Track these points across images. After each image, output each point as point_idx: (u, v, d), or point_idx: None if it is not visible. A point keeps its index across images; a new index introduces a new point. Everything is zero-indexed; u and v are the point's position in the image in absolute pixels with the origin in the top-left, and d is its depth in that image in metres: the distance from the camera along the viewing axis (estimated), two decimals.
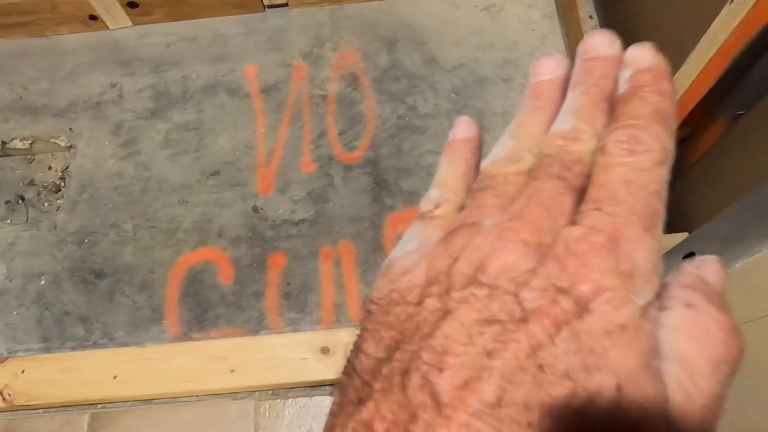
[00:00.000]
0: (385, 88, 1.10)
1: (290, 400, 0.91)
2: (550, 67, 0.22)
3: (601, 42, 0.21)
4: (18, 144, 1.13)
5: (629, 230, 0.17)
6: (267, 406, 0.91)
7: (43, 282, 1.02)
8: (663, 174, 0.18)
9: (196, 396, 0.90)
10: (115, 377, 0.86)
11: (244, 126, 1.10)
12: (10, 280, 1.02)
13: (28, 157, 1.16)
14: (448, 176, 0.23)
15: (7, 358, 0.89)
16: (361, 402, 0.17)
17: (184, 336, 0.96)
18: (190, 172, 1.07)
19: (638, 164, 0.18)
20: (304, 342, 0.86)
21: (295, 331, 0.93)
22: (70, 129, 1.13)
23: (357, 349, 0.19)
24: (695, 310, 0.17)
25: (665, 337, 0.17)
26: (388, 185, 1.03)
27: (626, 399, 0.15)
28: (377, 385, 0.17)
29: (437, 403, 0.16)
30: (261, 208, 1.04)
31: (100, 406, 0.92)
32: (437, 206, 0.22)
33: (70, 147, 1.12)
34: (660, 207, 0.18)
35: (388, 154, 1.06)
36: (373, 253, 0.99)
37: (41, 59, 1.19)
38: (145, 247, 1.03)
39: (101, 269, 1.02)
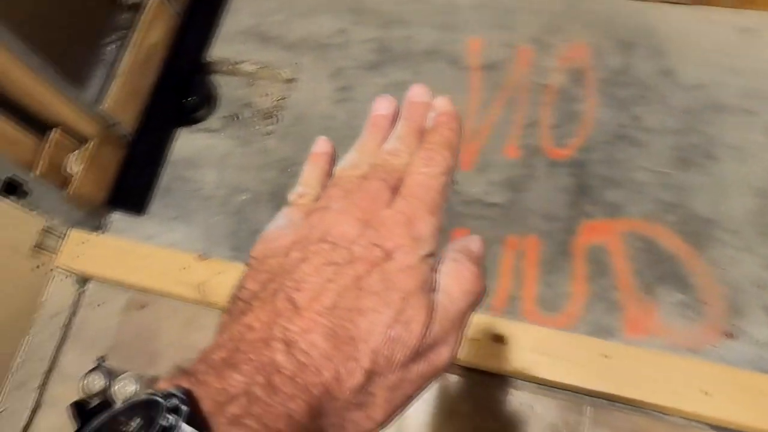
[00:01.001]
0: (612, 91, 1.05)
1: (445, 374, 0.92)
2: (385, 106, 0.34)
3: (420, 92, 0.34)
4: (247, 67, 1.22)
5: (420, 213, 0.28)
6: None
7: (244, 197, 1.10)
8: (445, 181, 0.30)
9: None
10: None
11: (457, 98, 1.10)
12: (218, 188, 1.12)
13: (251, 80, 1.25)
14: (309, 177, 0.33)
15: (209, 258, 0.97)
16: (243, 314, 0.26)
17: None
18: None
19: (429, 173, 0.29)
20: (480, 325, 0.86)
21: None
22: (296, 63, 1.19)
23: (240, 286, 0.28)
24: (458, 263, 0.29)
25: (439, 277, 0.28)
26: (592, 191, 0.99)
27: (407, 306, 0.26)
28: (255, 303, 0.26)
29: (295, 307, 0.25)
30: (456, 182, 1.04)
31: None
32: (301, 197, 0.32)
33: (292, 80, 1.19)
34: (441, 200, 0.29)
35: (598, 160, 1.01)
36: (559, 255, 0.96)
37: None
38: None
39: None
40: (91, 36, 1.21)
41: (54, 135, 0.98)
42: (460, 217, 1.01)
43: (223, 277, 0.95)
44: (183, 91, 1.18)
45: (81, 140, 1.03)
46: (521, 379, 0.87)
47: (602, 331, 0.90)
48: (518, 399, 0.87)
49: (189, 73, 1.21)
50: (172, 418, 0.21)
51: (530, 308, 0.94)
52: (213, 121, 1.20)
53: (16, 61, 0.86)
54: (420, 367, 0.26)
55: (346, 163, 0.32)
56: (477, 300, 0.29)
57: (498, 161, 1.04)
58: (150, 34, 1.14)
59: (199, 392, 0.22)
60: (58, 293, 1.01)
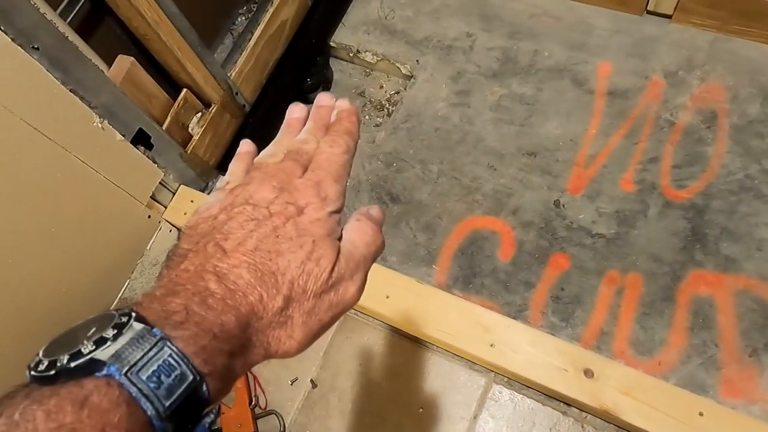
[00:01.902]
0: (744, 140, 1.00)
1: (521, 396, 0.90)
2: (297, 111, 0.41)
3: (325, 99, 0.41)
4: (367, 56, 1.23)
5: (326, 180, 0.35)
6: (498, 389, 0.91)
7: (347, 184, 1.11)
8: (346, 158, 0.37)
9: (443, 348, 0.93)
10: (387, 297, 0.92)
11: (577, 120, 1.07)
12: None
13: (368, 70, 1.26)
14: (235, 169, 0.39)
15: None
16: (179, 263, 0.31)
17: (447, 288, 0.99)
18: (508, 143, 1.08)
19: (333, 151, 0.36)
20: (571, 354, 0.84)
21: (552, 335, 0.91)
22: (417, 61, 1.20)
23: (176, 247, 0.33)
24: (360, 222, 0.36)
25: (344, 231, 0.35)
26: (706, 241, 0.95)
27: (317, 247, 0.32)
28: (190, 255, 0.31)
29: (224, 251, 0.31)
30: (563, 205, 1.01)
31: (353, 311, 0.99)
32: (227, 184, 0.37)
33: (410, 76, 1.19)
34: (343, 172, 0.36)
35: (718, 209, 0.96)
36: (661, 300, 0.92)
37: None
38: (442, 193, 1.07)
39: (398, 195, 1.08)
40: (226, 5, 1.26)
41: (183, 94, 1.02)
42: (562, 242, 0.99)
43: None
44: (303, 70, 1.21)
45: (205, 104, 1.07)
46: (603, 419, 0.84)
47: (695, 387, 0.86)
48: None
49: (311, 54, 1.24)
50: (124, 318, 0.26)
51: (621, 348, 0.91)
52: None
53: (166, 19, 0.90)
54: (331, 298, 0.32)
55: (264, 153, 0.39)
56: (376, 250, 0.36)
57: (610, 191, 1.01)
58: (282, 10, 1.17)
59: (146, 312, 0.27)
60: (162, 244, 1.05)
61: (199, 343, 0.27)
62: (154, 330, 0.26)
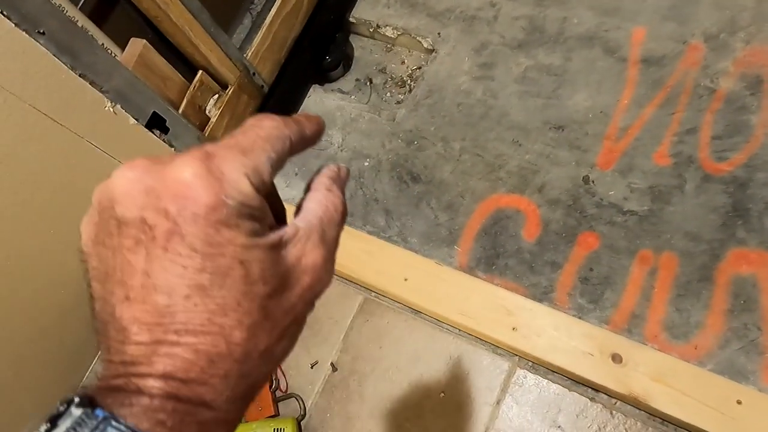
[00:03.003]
0: None
1: (546, 381, 0.87)
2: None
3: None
4: (388, 31, 1.19)
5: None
6: (522, 374, 0.88)
7: (366, 164, 1.08)
8: (272, 125, 0.27)
9: (466, 332, 0.90)
10: (406, 279, 0.90)
11: (608, 90, 1.01)
12: (341, 150, 1.11)
13: (389, 45, 1.22)
14: None
15: None
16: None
17: (469, 270, 0.95)
18: (534, 117, 1.03)
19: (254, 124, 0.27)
20: (598, 338, 0.80)
21: (579, 318, 0.87)
22: (439, 34, 1.15)
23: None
24: (331, 192, 0.29)
25: (307, 203, 0.28)
26: (749, 216, 0.88)
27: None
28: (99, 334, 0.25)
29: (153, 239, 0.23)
30: (593, 181, 0.96)
31: (374, 294, 0.97)
32: None
33: (432, 51, 1.15)
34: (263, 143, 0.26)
35: (763, 182, 0.89)
36: (698, 281, 0.87)
37: None
38: (464, 171, 1.03)
39: (418, 174, 1.05)
40: None
41: (199, 76, 1.01)
42: (591, 220, 0.94)
43: None
44: (322, 48, 1.18)
45: (222, 86, 1.06)
46: (633, 406, 0.80)
47: (734, 373, 0.81)
48: (628, 426, 0.80)
49: (330, 31, 1.20)
50: (62, 406, 0.22)
51: (654, 331, 0.85)
52: (346, 82, 1.20)
53: (177, 1, 0.89)
54: (292, 295, 0.25)
55: None
56: (342, 221, 0.29)
57: (644, 166, 0.95)
58: None
59: (100, 386, 0.23)
60: None
61: (158, 416, 0.22)
62: (96, 411, 0.22)
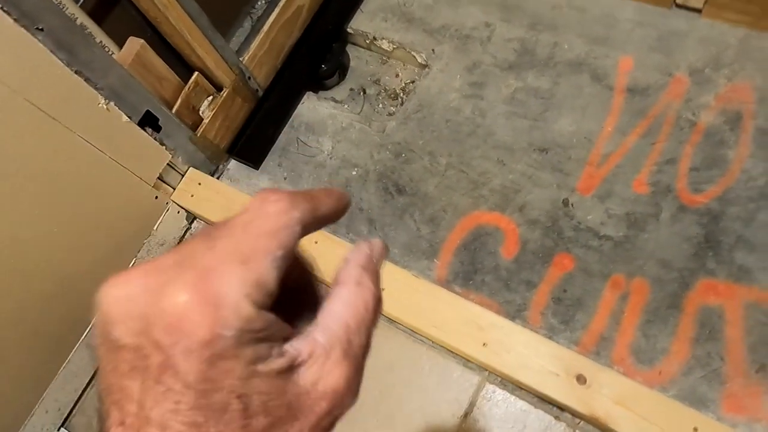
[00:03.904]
0: None
1: (514, 397, 0.89)
2: None
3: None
4: (384, 44, 1.21)
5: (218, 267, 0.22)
6: (491, 389, 0.90)
7: (354, 173, 1.11)
8: (283, 219, 0.23)
9: (437, 344, 0.92)
10: (383, 289, 0.91)
11: (593, 117, 1.04)
12: (330, 158, 1.13)
13: (384, 58, 1.24)
14: None
15: None
16: None
17: (447, 284, 0.97)
18: (520, 138, 1.05)
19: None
20: (564, 359, 0.82)
21: (549, 338, 0.89)
22: (433, 50, 1.17)
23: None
24: (362, 286, 0.25)
25: (332, 303, 0.24)
26: (720, 248, 0.90)
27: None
28: None
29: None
30: (572, 205, 0.98)
31: None
32: None
33: (426, 66, 1.17)
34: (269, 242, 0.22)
35: (735, 216, 0.92)
36: (666, 307, 0.89)
37: None
38: (448, 186, 1.05)
39: (404, 187, 1.07)
40: None
41: (194, 78, 1.03)
42: (568, 243, 0.96)
43: (317, 247, 0.97)
44: (318, 56, 1.20)
45: (217, 87, 1.08)
46: (595, 426, 0.82)
47: (695, 400, 0.83)
48: None
49: (328, 40, 1.22)
50: None
51: (622, 355, 0.88)
52: (340, 91, 1.22)
53: (175, 3, 0.91)
54: (305, 424, 0.22)
55: None
56: (375, 322, 0.25)
57: (622, 193, 0.97)
58: None
59: None
60: (169, 225, 1.07)
61: None
62: None
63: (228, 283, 0.20)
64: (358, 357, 0.24)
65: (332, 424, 0.23)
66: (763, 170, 0.93)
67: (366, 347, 0.24)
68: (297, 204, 0.23)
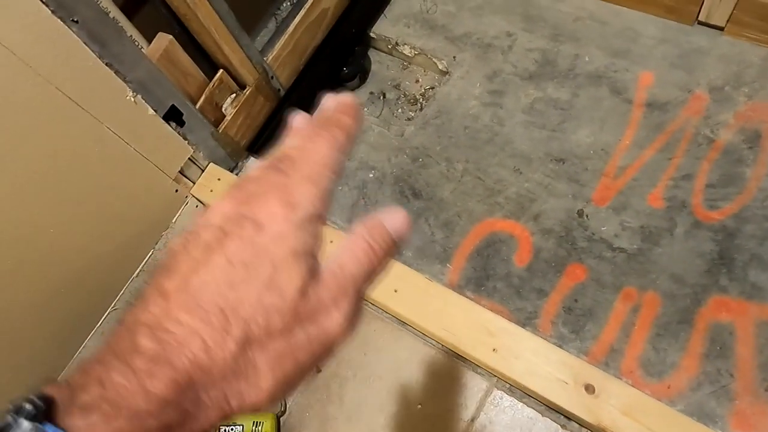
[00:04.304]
0: None
1: (521, 404, 0.89)
2: (299, 119, 0.33)
3: (329, 99, 0.33)
4: (405, 50, 1.23)
5: (296, 182, 0.27)
6: (499, 395, 0.90)
7: (371, 175, 1.12)
8: (330, 153, 0.29)
9: (448, 348, 0.93)
10: (396, 291, 0.93)
11: (611, 129, 1.04)
12: (349, 159, 1.15)
13: (405, 63, 1.26)
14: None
15: (325, 223, 1.00)
16: (128, 312, 0.25)
17: (459, 289, 0.98)
18: (537, 147, 1.06)
19: (313, 148, 0.29)
20: (574, 367, 0.82)
21: (559, 347, 0.89)
22: (454, 57, 1.18)
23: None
24: (355, 237, 0.29)
25: (337, 248, 0.28)
26: (734, 265, 0.91)
27: (278, 272, 0.25)
28: (138, 300, 0.25)
29: (163, 293, 0.25)
30: (587, 216, 0.99)
31: (364, 301, 1.00)
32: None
33: (446, 72, 1.18)
34: (324, 170, 0.28)
35: (750, 234, 0.92)
36: (677, 322, 0.89)
37: None
38: (464, 192, 1.06)
39: (420, 191, 1.08)
40: None
41: (219, 75, 1.05)
42: (581, 253, 0.96)
43: (333, 246, 0.98)
44: (341, 59, 1.22)
45: (240, 85, 1.10)
46: None
47: (703, 416, 0.83)
48: None
49: (350, 43, 1.24)
50: (11, 417, 0.21)
51: (630, 367, 0.88)
52: (360, 93, 1.23)
53: (205, 1, 0.93)
54: (308, 332, 0.25)
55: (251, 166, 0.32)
56: (370, 269, 0.28)
57: (637, 206, 0.98)
58: None
59: (58, 393, 0.22)
60: (187, 218, 1.09)
61: (111, 429, 0.21)
62: (46, 426, 0.21)
63: (302, 193, 0.27)
64: (357, 292, 0.28)
65: (328, 350, 0.27)
66: None
67: (364, 289, 0.28)
68: (337, 138, 0.29)
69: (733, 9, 1.01)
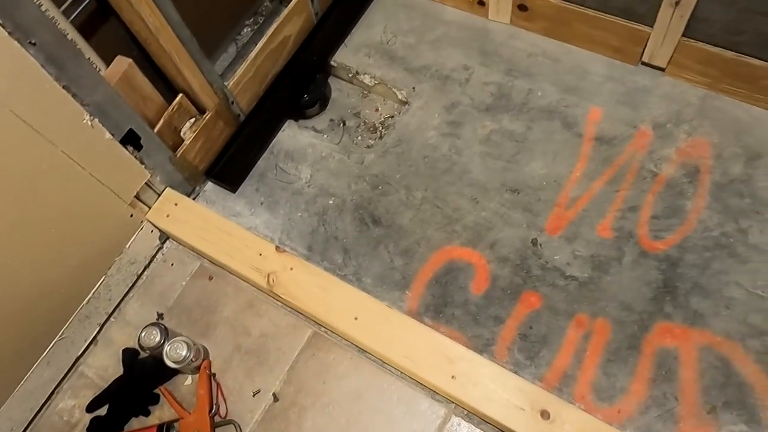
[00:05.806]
0: (723, 198, 1.01)
1: (479, 430, 0.90)
2: None
3: None
4: (366, 79, 1.25)
5: None
6: (457, 421, 0.91)
7: (331, 202, 1.12)
8: None
9: (407, 375, 0.94)
10: (356, 318, 0.93)
11: (563, 162, 1.09)
12: (309, 186, 1.15)
13: (365, 92, 1.28)
14: None
15: (285, 251, 1.00)
16: None
17: (418, 315, 0.99)
18: (493, 177, 1.09)
19: None
20: (530, 393, 0.84)
21: (515, 373, 0.91)
22: (413, 88, 1.21)
23: None
24: None
25: None
26: (677, 294, 0.95)
27: None
28: None
29: None
30: (540, 244, 1.02)
31: (323, 329, 1.00)
32: None
33: (406, 102, 1.21)
34: None
35: (691, 264, 0.97)
36: (626, 348, 0.93)
37: (419, 18, 1.30)
38: (423, 220, 1.08)
39: (380, 218, 1.09)
40: (234, 15, 1.29)
41: (179, 99, 1.04)
42: (536, 281, 1.00)
43: (292, 273, 0.98)
44: (302, 86, 1.23)
45: (200, 110, 1.09)
46: None
47: None
48: None
49: (311, 71, 1.25)
50: None
51: (583, 392, 0.91)
52: (320, 121, 1.24)
53: (167, 26, 0.92)
54: None
55: None
56: None
57: (588, 235, 1.02)
58: (286, 26, 1.19)
59: None
60: (141, 244, 1.06)
61: None
62: None
63: None
64: None
65: None
66: (718, 222, 1.00)
67: None
68: None
69: (674, 52, 1.08)
